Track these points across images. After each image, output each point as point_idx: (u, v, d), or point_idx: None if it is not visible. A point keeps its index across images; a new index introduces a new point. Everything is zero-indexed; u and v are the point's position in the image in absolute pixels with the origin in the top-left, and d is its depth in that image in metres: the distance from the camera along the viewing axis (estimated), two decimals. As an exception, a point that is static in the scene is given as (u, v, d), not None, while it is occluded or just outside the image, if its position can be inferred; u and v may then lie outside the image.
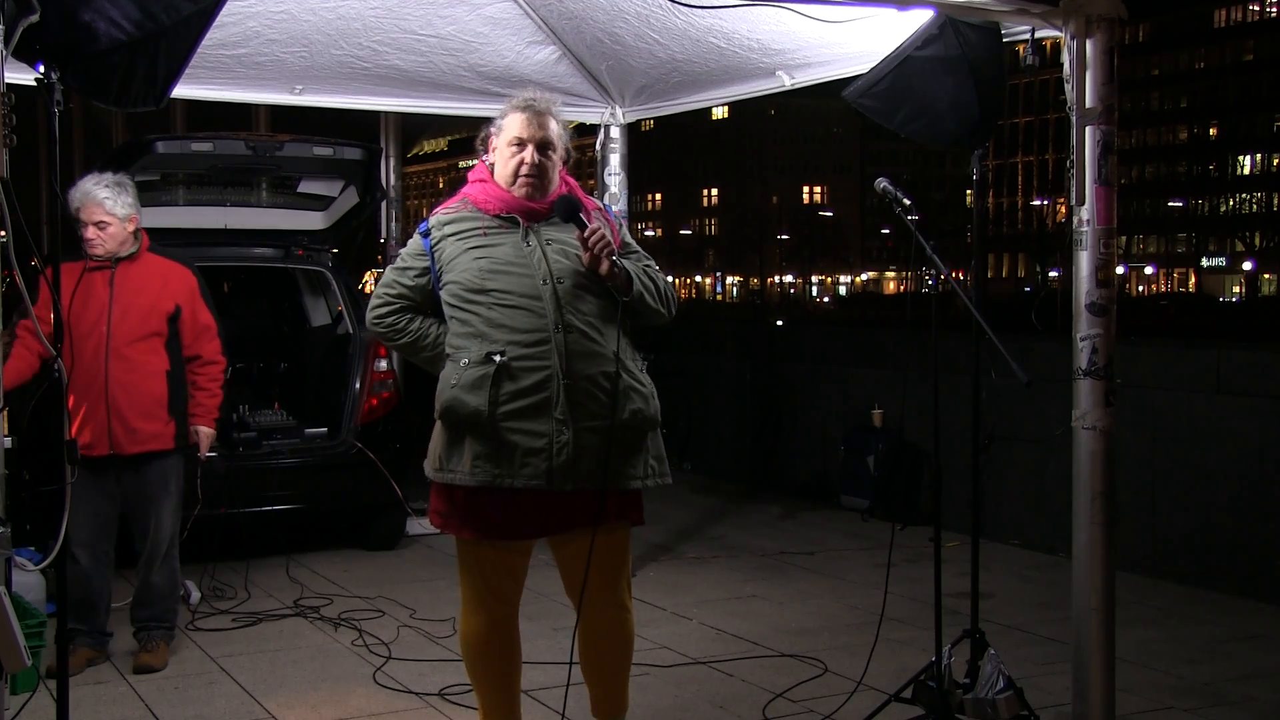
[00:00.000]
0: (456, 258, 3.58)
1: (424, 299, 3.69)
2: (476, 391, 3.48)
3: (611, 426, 3.50)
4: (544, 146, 3.60)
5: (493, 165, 3.69)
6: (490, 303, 3.52)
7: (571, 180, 3.73)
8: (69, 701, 3.38)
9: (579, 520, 3.54)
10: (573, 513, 3.54)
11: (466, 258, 3.57)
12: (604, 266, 3.51)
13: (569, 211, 3.56)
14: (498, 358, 3.47)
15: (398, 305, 3.70)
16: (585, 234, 3.51)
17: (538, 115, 3.61)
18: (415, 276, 3.68)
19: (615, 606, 3.70)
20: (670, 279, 3.82)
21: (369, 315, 3.76)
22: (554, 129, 3.63)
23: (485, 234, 3.58)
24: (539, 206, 3.60)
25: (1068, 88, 3.88)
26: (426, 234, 3.67)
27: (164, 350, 5.02)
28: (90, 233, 4.88)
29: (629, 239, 3.77)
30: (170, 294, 5.05)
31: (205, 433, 5.20)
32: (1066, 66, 3.87)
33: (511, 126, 3.63)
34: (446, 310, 3.63)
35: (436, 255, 3.63)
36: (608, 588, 3.66)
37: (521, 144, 3.60)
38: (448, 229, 3.64)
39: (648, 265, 3.71)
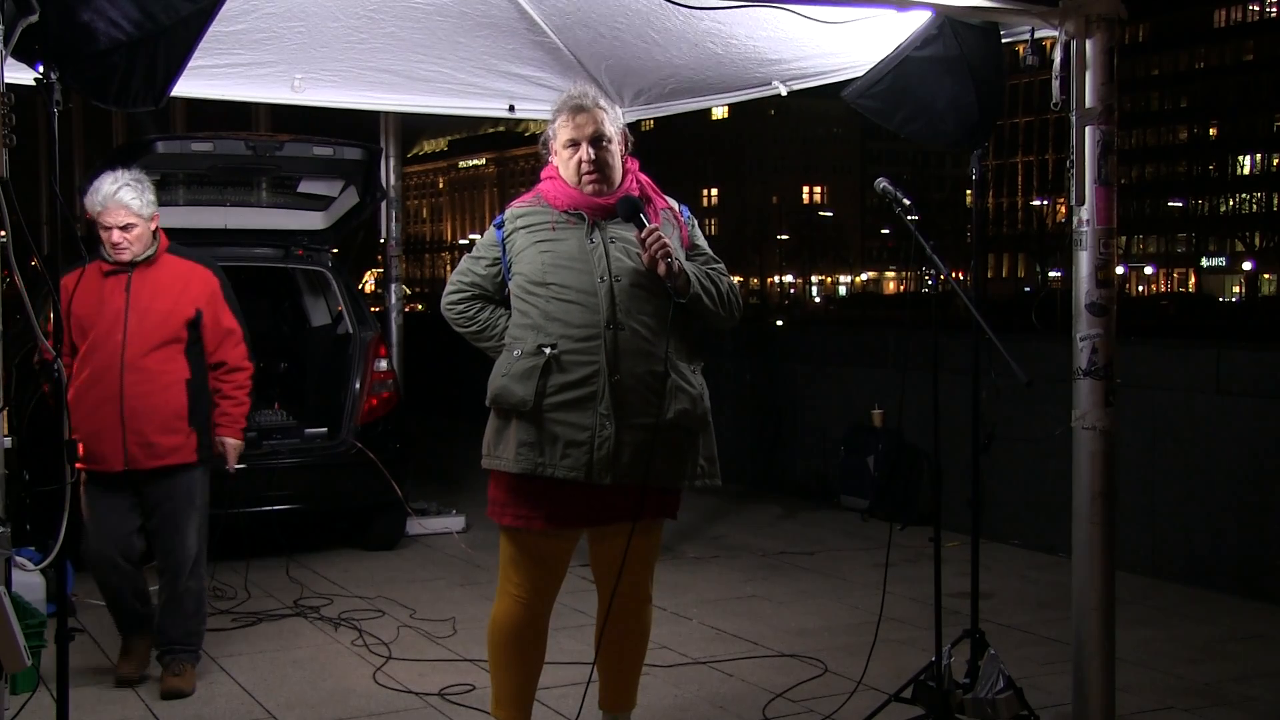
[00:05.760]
0: (524, 250, 3.64)
1: (495, 289, 3.76)
2: (525, 382, 3.54)
3: (655, 425, 3.54)
4: (597, 140, 3.63)
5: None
6: (549, 296, 3.57)
7: (644, 177, 3.75)
8: (69, 701, 3.38)
9: (619, 514, 3.61)
10: (613, 507, 3.61)
11: (533, 250, 3.63)
12: (661, 268, 3.53)
13: (629, 211, 3.59)
14: (548, 350, 3.53)
15: (470, 294, 3.78)
16: (643, 235, 3.55)
17: (584, 111, 3.64)
18: (487, 266, 3.75)
19: (638, 598, 3.80)
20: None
21: (442, 301, 3.83)
22: (604, 120, 3.65)
23: (554, 229, 3.64)
24: (605, 202, 3.63)
25: (1055, 85, 3.88)
26: (500, 225, 3.74)
27: (184, 357, 4.70)
28: (117, 236, 4.58)
29: (699, 240, 3.78)
30: (190, 298, 4.74)
31: (232, 444, 4.87)
32: (1056, 64, 3.87)
33: (562, 130, 3.67)
34: (512, 301, 3.69)
35: (508, 247, 3.70)
36: (635, 580, 3.74)
37: (575, 144, 3.64)
38: (519, 222, 3.69)
39: (713, 268, 3.73)
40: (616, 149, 3.68)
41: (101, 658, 5.09)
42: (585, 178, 3.63)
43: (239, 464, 4.94)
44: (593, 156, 3.61)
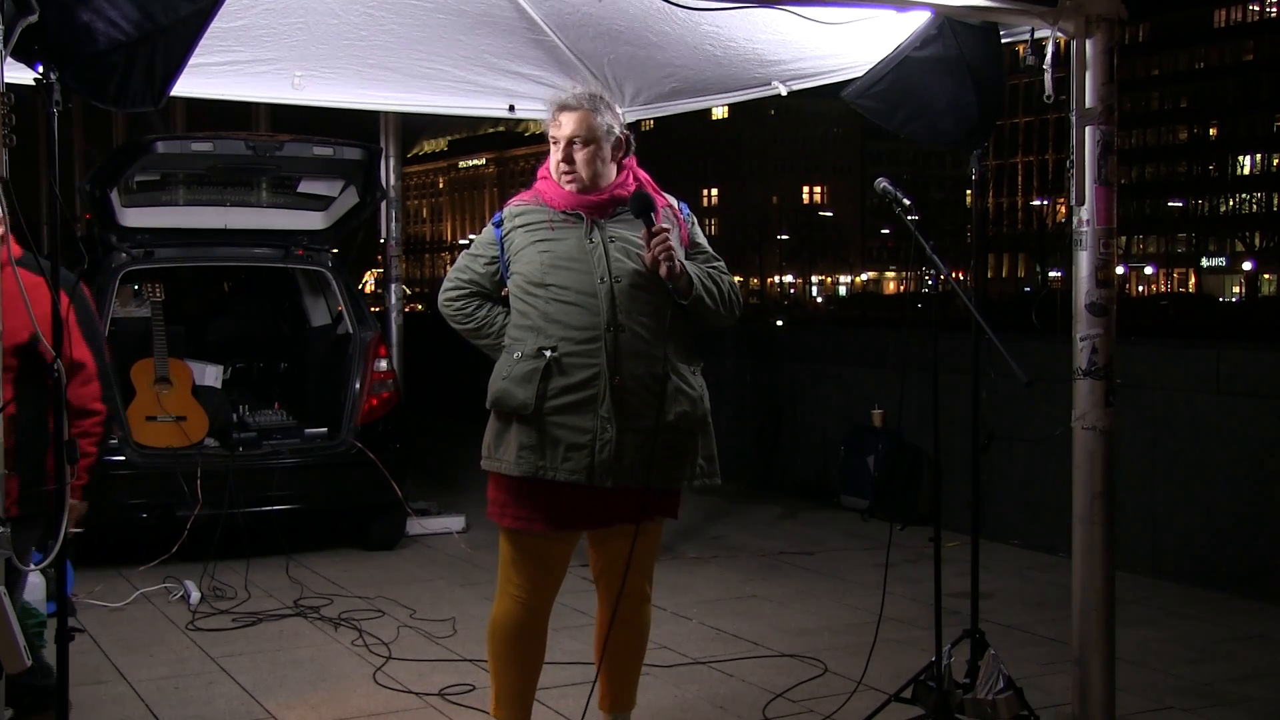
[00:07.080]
0: (523, 249, 3.64)
1: (494, 287, 3.76)
2: (525, 385, 3.53)
3: (655, 428, 3.53)
4: (573, 141, 3.62)
5: None
6: (548, 297, 3.56)
7: (643, 175, 3.74)
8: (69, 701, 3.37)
9: (620, 516, 3.60)
10: (614, 509, 3.60)
11: (531, 250, 3.62)
12: (663, 270, 3.52)
13: (641, 209, 3.57)
14: (548, 353, 3.52)
15: (468, 290, 3.77)
16: (649, 236, 3.54)
17: (566, 110, 3.64)
18: (485, 264, 3.75)
19: (637, 598, 3.79)
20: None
21: (440, 297, 3.82)
22: (589, 121, 3.62)
23: (552, 228, 3.63)
24: (598, 200, 3.62)
25: (1046, 78, 3.88)
26: (499, 224, 3.73)
27: (12, 389, 3.50)
28: None
29: (699, 238, 3.77)
30: (27, 319, 3.46)
31: (70, 504, 3.57)
32: (1048, 57, 3.87)
33: (550, 128, 3.68)
34: (511, 301, 3.69)
35: (506, 245, 3.69)
36: (634, 581, 3.73)
37: (556, 142, 3.64)
38: (518, 220, 3.69)
39: (714, 267, 3.72)
40: (593, 151, 3.62)
41: (101, 658, 5.10)
42: (563, 177, 3.64)
43: (77, 528, 3.86)
44: (561, 156, 3.61)
